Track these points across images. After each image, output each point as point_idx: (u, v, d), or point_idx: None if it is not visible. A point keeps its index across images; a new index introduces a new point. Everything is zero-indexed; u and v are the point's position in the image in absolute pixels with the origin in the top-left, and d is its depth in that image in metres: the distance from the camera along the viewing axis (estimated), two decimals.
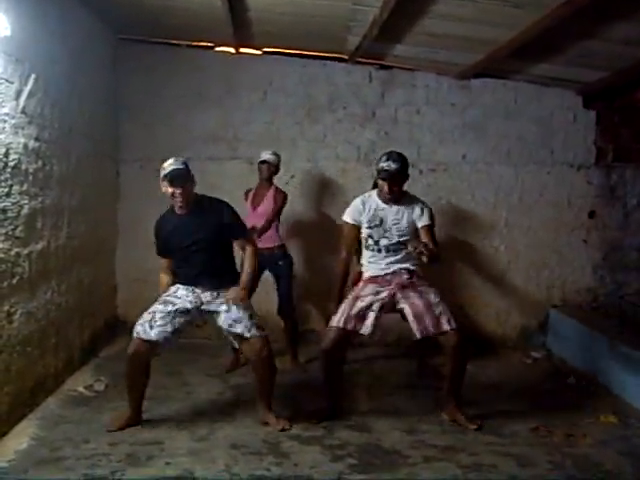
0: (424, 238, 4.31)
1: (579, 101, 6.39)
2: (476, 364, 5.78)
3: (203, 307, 4.17)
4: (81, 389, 4.80)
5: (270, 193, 5.48)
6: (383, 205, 4.40)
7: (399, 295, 4.34)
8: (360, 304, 4.28)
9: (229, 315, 4.13)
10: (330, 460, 3.77)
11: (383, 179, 4.27)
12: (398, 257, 4.39)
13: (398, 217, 4.37)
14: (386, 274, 4.39)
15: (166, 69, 6.35)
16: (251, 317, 4.15)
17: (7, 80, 3.86)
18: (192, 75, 6.38)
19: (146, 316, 4.08)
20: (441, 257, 4.25)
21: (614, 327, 5.58)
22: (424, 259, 4.02)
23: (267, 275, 5.49)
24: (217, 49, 6.33)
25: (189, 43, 6.26)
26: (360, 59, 6.17)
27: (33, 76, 4.15)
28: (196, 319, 4.30)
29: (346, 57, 6.18)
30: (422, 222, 4.37)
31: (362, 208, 4.43)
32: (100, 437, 3.94)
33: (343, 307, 4.30)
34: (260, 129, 6.36)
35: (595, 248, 6.48)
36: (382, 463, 3.75)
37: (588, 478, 3.65)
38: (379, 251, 4.41)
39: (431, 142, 6.40)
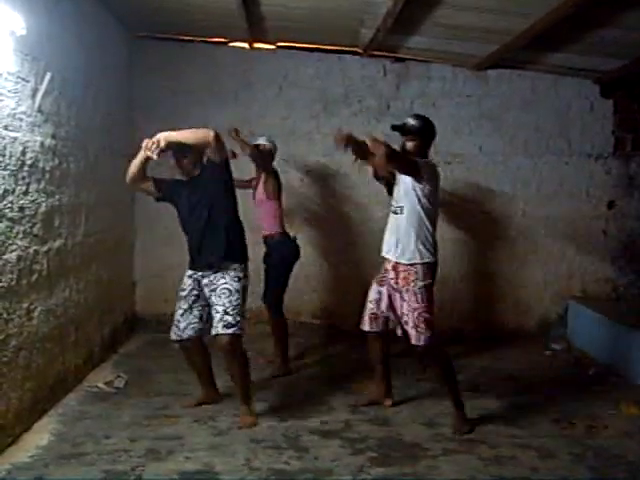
0: None
1: (596, 90, 6.35)
2: (496, 356, 5.78)
3: (204, 290, 4.20)
4: (101, 385, 4.82)
5: (261, 178, 5.29)
6: None
7: (392, 294, 4.23)
8: (370, 306, 4.37)
9: (212, 302, 4.12)
10: (350, 453, 3.76)
11: (401, 134, 4.18)
12: (399, 225, 4.12)
13: (406, 179, 4.08)
14: (384, 260, 4.25)
15: (181, 65, 6.38)
16: (225, 312, 4.05)
17: (23, 79, 3.87)
18: (207, 71, 6.40)
19: (174, 317, 4.32)
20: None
21: (634, 317, 5.53)
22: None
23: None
24: (231, 45, 6.34)
25: (203, 39, 6.27)
26: (374, 52, 6.15)
27: (49, 74, 4.16)
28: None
29: (360, 50, 6.16)
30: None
31: None
32: (120, 433, 3.96)
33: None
34: (276, 124, 6.35)
35: (614, 238, 6.43)
36: (402, 456, 3.74)
37: (609, 470, 3.62)
38: (394, 212, 4.18)
39: (447, 134, 6.33)
